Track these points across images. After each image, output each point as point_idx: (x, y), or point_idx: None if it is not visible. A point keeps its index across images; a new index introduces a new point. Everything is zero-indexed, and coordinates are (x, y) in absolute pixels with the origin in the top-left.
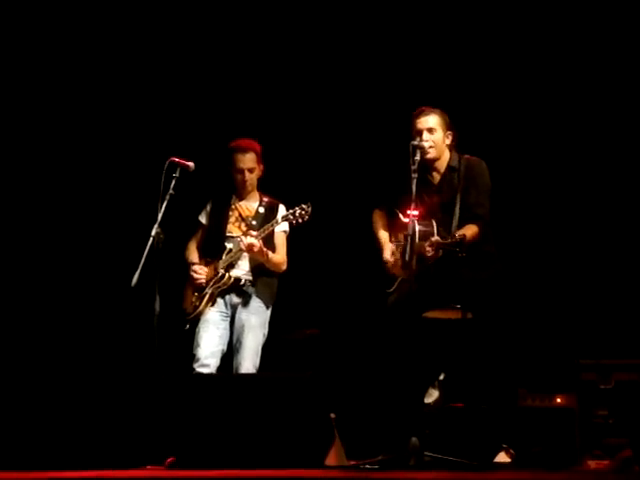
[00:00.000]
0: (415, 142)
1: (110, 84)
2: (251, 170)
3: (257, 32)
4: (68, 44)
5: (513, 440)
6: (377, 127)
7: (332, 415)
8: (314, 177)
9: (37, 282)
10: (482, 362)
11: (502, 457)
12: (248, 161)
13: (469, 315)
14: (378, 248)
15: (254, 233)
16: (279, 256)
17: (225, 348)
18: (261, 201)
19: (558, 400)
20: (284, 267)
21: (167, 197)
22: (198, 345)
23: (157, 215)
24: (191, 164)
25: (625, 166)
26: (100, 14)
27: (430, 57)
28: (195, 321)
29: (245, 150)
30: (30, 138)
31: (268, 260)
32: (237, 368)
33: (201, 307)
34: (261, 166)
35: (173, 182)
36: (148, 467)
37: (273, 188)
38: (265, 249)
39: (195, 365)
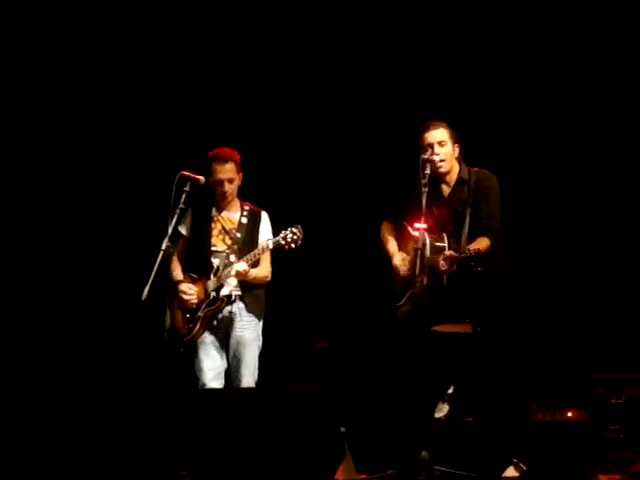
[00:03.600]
0: (425, 155)
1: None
2: (231, 181)
3: (254, 36)
4: (75, 59)
5: (523, 455)
6: (385, 140)
7: (342, 429)
8: (327, 191)
9: (47, 295)
10: (492, 376)
11: (511, 472)
12: (227, 171)
13: (479, 329)
14: (387, 258)
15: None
16: (262, 270)
17: (226, 364)
18: (242, 210)
19: (569, 414)
20: (269, 279)
21: (177, 211)
22: (201, 369)
23: (167, 229)
24: (202, 178)
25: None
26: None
27: (436, 68)
28: (189, 343)
29: (224, 160)
30: (39, 151)
31: (254, 279)
32: (237, 383)
33: (196, 330)
34: (241, 174)
35: (184, 196)
36: None
37: (286, 201)
38: (249, 273)
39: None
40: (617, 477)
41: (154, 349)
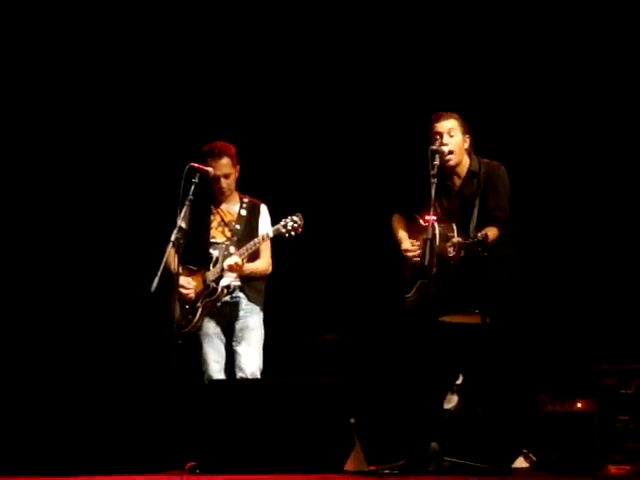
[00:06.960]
0: (434, 147)
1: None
2: (227, 176)
3: (251, 28)
4: (76, 57)
5: (533, 445)
6: (396, 131)
7: (352, 420)
8: (334, 183)
9: (57, 288)
10: (502, 367)
11: (520, 462)
12: (223, 167)
13: (488, 319)
14: (397, 247)
15: (237, 256)
16: (262, 262)
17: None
18: (242, 202)
19: (578, 405)
20: (269, 271)
21: (187, 203)
22: (206, 362)
23: (176, 220)
24: (211, 169)
25: None
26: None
27: (449, 58)
28: (189, 334)
29: (219, 155)
30: (46, 147)
31: (251, 273)
32: (242, 370)
33: (195, 321)
34: (237, 167)
35: (192, 187)
36: (169, 472)
37: (299, 193)
38: (245, 267)
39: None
40: (627, 468)
41: (163, 340)
